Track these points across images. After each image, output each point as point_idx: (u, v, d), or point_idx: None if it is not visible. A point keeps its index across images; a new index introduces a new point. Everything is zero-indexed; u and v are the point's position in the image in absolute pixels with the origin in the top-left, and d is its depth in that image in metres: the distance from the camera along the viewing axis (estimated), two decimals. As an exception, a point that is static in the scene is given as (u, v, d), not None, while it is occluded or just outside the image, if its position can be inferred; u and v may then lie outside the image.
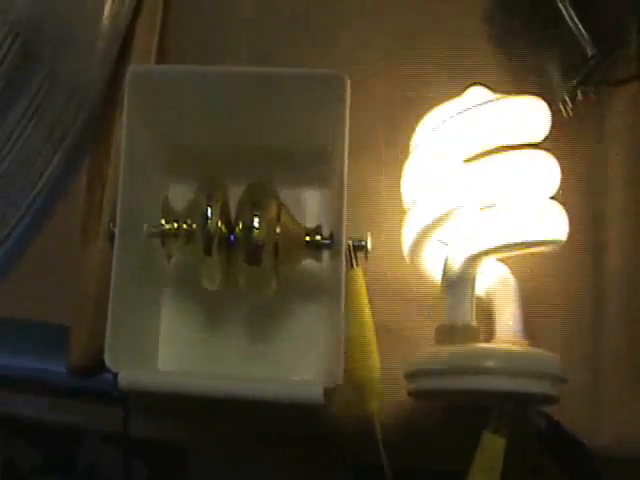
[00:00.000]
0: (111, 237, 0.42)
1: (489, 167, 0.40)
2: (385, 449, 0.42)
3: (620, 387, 0.45)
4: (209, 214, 0.42)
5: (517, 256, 0.42)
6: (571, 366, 0.41)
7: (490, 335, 0.42)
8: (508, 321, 0.41)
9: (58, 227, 0.50)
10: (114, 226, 0.42)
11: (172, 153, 0.48)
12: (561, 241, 0.40)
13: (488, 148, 0.41)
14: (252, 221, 0.41)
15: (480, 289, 0.43)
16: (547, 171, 0.40)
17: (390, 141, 0.48)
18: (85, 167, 0.50)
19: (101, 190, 0.47)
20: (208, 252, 0.42)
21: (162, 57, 0.51)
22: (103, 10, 0.48)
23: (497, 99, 0.42)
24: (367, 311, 0.43)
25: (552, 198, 0.41)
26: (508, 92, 0.42)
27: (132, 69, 0.43)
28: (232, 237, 0.42)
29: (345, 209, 0.41)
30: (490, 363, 0.38)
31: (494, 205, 0.40)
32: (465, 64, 0.49)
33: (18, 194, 0.48)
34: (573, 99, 0.45)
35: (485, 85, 0.43)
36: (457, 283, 0.41)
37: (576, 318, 0.46)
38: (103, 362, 0.39)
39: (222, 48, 0.51)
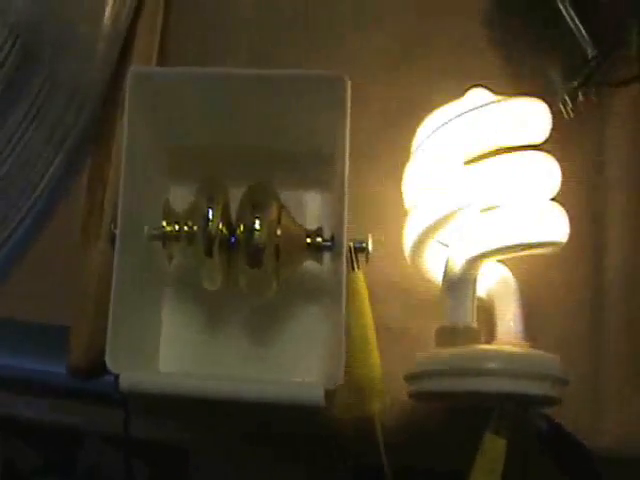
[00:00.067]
0: (112, 239, 0.42)
1: (490, 169, 0.40)
2: (386, 450, 0.42)
3: (621, 388, 0.45)
4: (210, 216, 0.42)
5: (518, 257, 0.42)
6: (572, 367, 0.41)
7: (491, 336, 0.42)
8: (509, 322, 0.41)
9: (59, 228, 0.50)
10: (115, 227, 0.42)
11: (173, 154, 0.48)
12: (562, 243, 0.40)
13: (489, 150, 0.41)
14: (253, 223, 0.41)
15: (481, 290, 0.43)
16: (548, 173, 0.40)
17: (391, 143, 0.48)
18: (86, 168, 0.50)
19: (102, 191, 0.47)
20: (209, 254, 0.42)
21: (163, 58, 0.51)
22: (104, 11, 0.48)
23: (498, 101, 0.42)
24: (368, 313, 0.43)
25: (553, 200, 0.41)
26: (509, 94, 0.42)
27: (133, 70, 0.43)
28: (233, 239, 0.42)
29: (346, 211, 0.41)
30: (491, 365, 0.38)
31: (495, 207, 0.41)
32: (466, 65, 0.49)
33: (19, 196, 0.48)
34: (574, 100, 0.45)
35: (486, 87, 0.43)
36: (458, 284, 0.41)
37: (576, 319, 0.46)
38: (103, 363, 0.39)
39: (223, 48, 0.51)
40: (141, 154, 0.44)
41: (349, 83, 0.42)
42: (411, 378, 0.42)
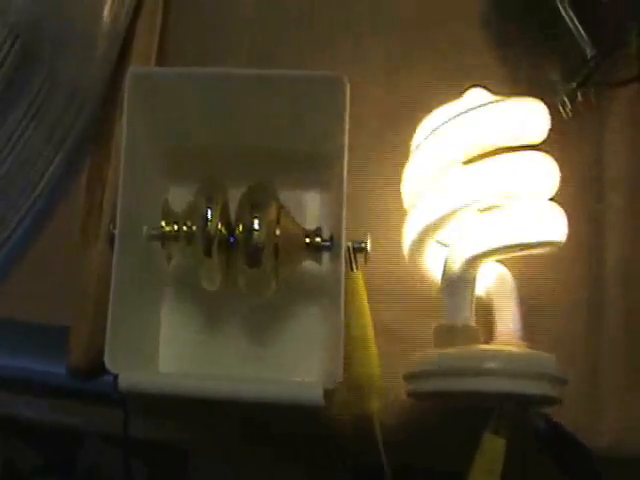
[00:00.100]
0: (111, 238, 0.42)
1: (489, 169, 0.40)
2: (385, 450, 0.42)
3: (620, 388, 0.45)
4: (209, 216, 0.42)
5: (516, 257, 0.42)
6: (570, 367, 0.41)
7: (490, 336, 0.42)
8: (508, 322, 0.41)
9: (58, 228, 0.50)
10: (114, 228, 0.42)
11: (172, 154, 0.48)
12: (560, 242, 0.40)
13: (487, 150, 0.41)
14: (252, 223, 0.41)
15: (480, 290, 0.43)
16: (546, 173, 0.40)
17: (390, 143, 0.48)
18: (85, 168, 0.50)
19: (101, 191, 0.47)
20: (208, 254, 0.42)
21: (162, 57, 0.51)
22: (103, 10, 0.48)
23: (496, 101, 0.42)
24: (367, 312, 0.43)
25: (551, 200, 0.41)
26: (507, 94, 0.42)
27: (132, 70, 0.43)
28: (232, 239, 0.42)
29: (345, 211, 0.41)
30: (490, 364, 0.38)
31: (493, 207, 0.41)
32: (464, 66, 0.49)
33: (18, 196, 0.48)
34: (573, 100, 0.46)
35: (484, 87, 0.43)
36: (457, 284, 0.41)
37: (575, 319, 0.46)
38: (103, 363, 0.39)
39: (223, 48, 0.51)
40: (140, 154, 0.44)
41: (348, 84, 0.42)
42: (410, 378, 0.42)
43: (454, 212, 0.40)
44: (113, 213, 0.42)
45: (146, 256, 0.44)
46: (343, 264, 0.40)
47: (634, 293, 0.46)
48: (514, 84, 0.47)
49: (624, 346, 0.46)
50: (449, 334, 0.41)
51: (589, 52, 0.44)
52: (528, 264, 0.45)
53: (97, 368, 0.42)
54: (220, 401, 0.40)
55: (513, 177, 0.40)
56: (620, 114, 0.48)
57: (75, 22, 0.47)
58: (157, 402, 0.46)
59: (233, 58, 0.51)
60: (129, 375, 0.40)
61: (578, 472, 0.40)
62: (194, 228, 0.42)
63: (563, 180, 0.41)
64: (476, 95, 0.43)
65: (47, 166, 0.49)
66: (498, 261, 0.43)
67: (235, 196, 0.43)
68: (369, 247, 0.42)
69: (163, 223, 0.43)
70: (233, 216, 0.43)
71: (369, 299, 0.43)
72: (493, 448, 0.38)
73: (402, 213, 0.44)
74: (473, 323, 0.41)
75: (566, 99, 0.45)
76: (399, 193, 0.45)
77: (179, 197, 0.46)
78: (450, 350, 0.40)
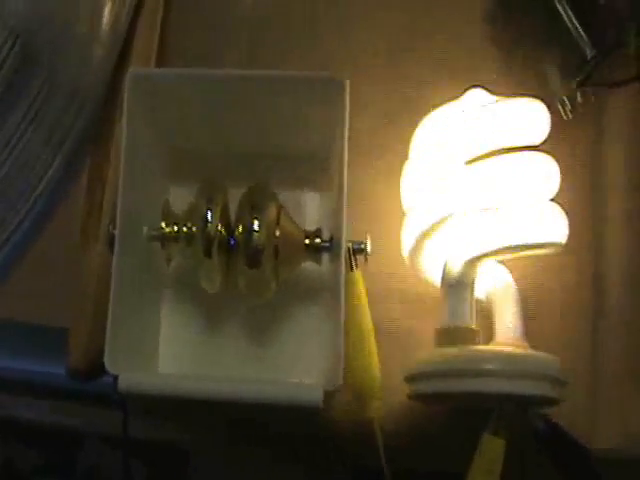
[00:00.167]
0: (111, 239, 0.42)
1: (488, 169, 0.40)
2: (385, 452, 0.42)
3: (620, 389, 0.45)
4: (209, 217, 0.42)
5: (517, 258, 0.42)
6: (570, 368, 0.41)
7: (490, 337, 0.42)
8: (508, 323, 0.41)
9: (58, 230, 0.50)
10: (114, 228, 0.42)
11: (172, 155, 0.48)
12: (561, 243, 0.40)
13: (487, 150, 0.41)
14: (252, 224, 0.41)
15: (480, 291, 0.43)
16: (546, 173, 0.40)
17: (390, 143, 0.48)
18: (85, 170, 0.50)
19: (101, 191, 0.47)
20: (208, 255, 0.42)
21: (163, 57, 0.51)
22: (103, 12, 0.48)
23: (496, 101, 0.42)
24: (367, 313, 0.43)
25: (552, 200, 0.41)
26: (507, 94, 0.42)
27: (132, 71, 0.43)
28: (232, 240, 0.42)
29: (345, 212, 0.41)
30: (490, 365, 0.38)
31: (494, 207, 0.40)
32: (464, 66, 0.49)
33: (18, 198, 0.48)
34: (572, 101, 0.46)
35: (484, 87, 0.43)
36: (457, 285, 0.41)
37: (575, 319, 0.46)
38: (103, 364, 0.39)
39: (223, 47, 0.51)
40: (140, 155, 0.44)
41: (348, 84, 0.42)
42: (411, 379, 0.42)
43: (454, 213, 0.40)
44: (113, 214, 0.42)
45: (146, 257, 0.44)
46: (343, 265, 0.40)
47: (636, 294, 0.46)
48: (514, 84, 0.47)
49: (626, 347, 0.46)
50: (450, 336, 0.41)
51: (589, 52, 0.44)
52: (529, 265, 0.45)
53: (97, 369, 0.42)
54: (220, 402, 0.40)
55: (513, 177, 0.40)
56: (620, 114, 0.48)
57: (75, 24, 0.47)
58: (157, 403, 0.46)
59: (233, 57, 0.51)
60: (129, 376, 0.40)
61: (577, 473, 0.40)
62: (194, 229, 0.42)
63: (563, 180, 0.41)
64: (476, 95, 0.43)
65: (46, 168, 0.49)
66: (499, 262, 0.43)
67: (235, 197, 0.43)
68: (369, 248, 0.42)
69: (163, 224, 0.43)
70: (233, 217, 0.43)
71: (369, 300, 0.43)
72: (492, 449, 0.38)
73: (402, 214, 0.44)
74: (474, 325, 0.41)
75: (565, 99, 0.45)
76: (399, 193, 0.45)
77: (179, 198, 0.46)
78: (450, 351, 0.40)
